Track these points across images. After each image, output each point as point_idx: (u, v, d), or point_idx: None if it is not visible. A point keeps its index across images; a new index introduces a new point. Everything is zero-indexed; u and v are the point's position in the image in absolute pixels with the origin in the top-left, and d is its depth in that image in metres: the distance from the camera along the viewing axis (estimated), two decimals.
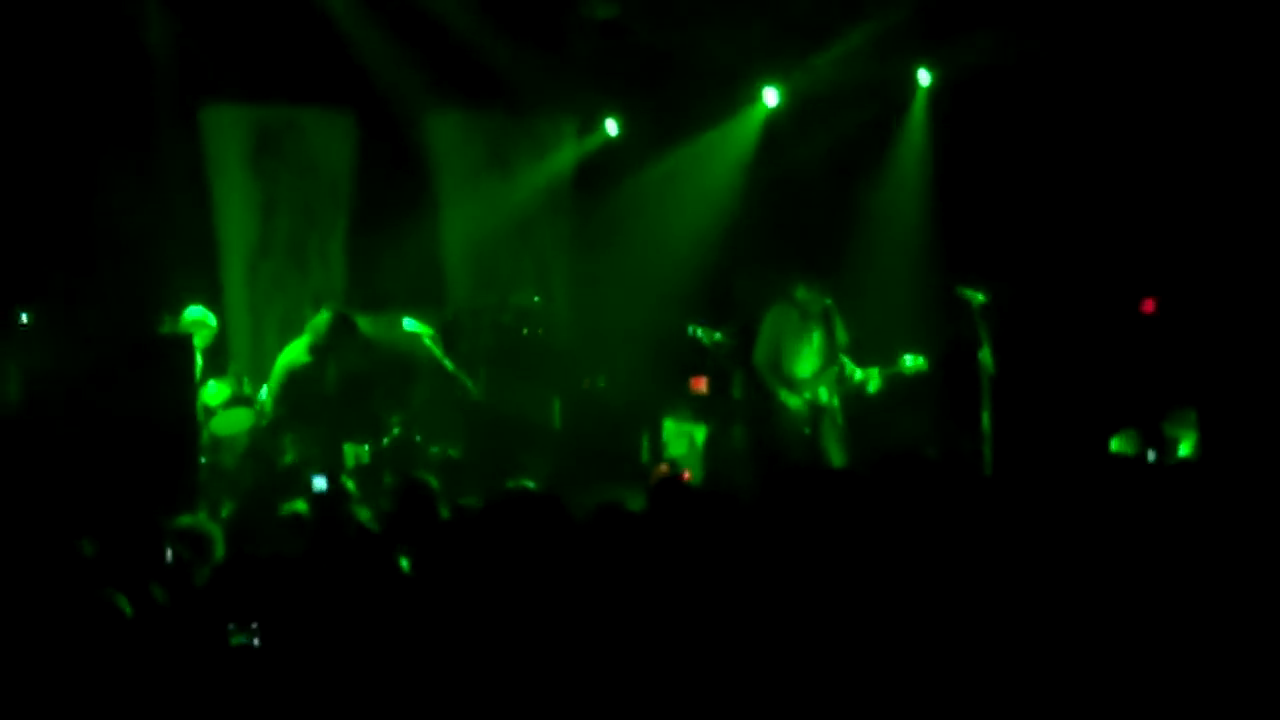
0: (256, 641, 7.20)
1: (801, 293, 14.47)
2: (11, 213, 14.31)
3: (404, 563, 8.38)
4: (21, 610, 7.44)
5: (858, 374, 14.51)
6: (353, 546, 8.14)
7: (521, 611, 7.25)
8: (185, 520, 9.09)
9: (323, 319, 14.05)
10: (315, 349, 13.95)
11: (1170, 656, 6.89)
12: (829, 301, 14.52)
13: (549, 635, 7.09)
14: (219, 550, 8.98)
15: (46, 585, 7.82)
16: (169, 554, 8.63)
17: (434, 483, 9.75)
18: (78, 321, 13.61)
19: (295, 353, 14.04)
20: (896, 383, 14.63)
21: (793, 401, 14.39)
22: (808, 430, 14.35)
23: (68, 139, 14.57)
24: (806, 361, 14.48)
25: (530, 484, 9.85)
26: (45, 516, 10.60)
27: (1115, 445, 12.79)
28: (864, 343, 14.76)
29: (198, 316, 14.00)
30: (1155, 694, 6.74)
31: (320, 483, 11.20)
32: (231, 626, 7.22)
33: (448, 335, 15.52)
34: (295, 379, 13.90)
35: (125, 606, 7.23)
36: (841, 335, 14.58)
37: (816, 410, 14.40)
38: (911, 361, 14.46)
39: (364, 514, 9.08)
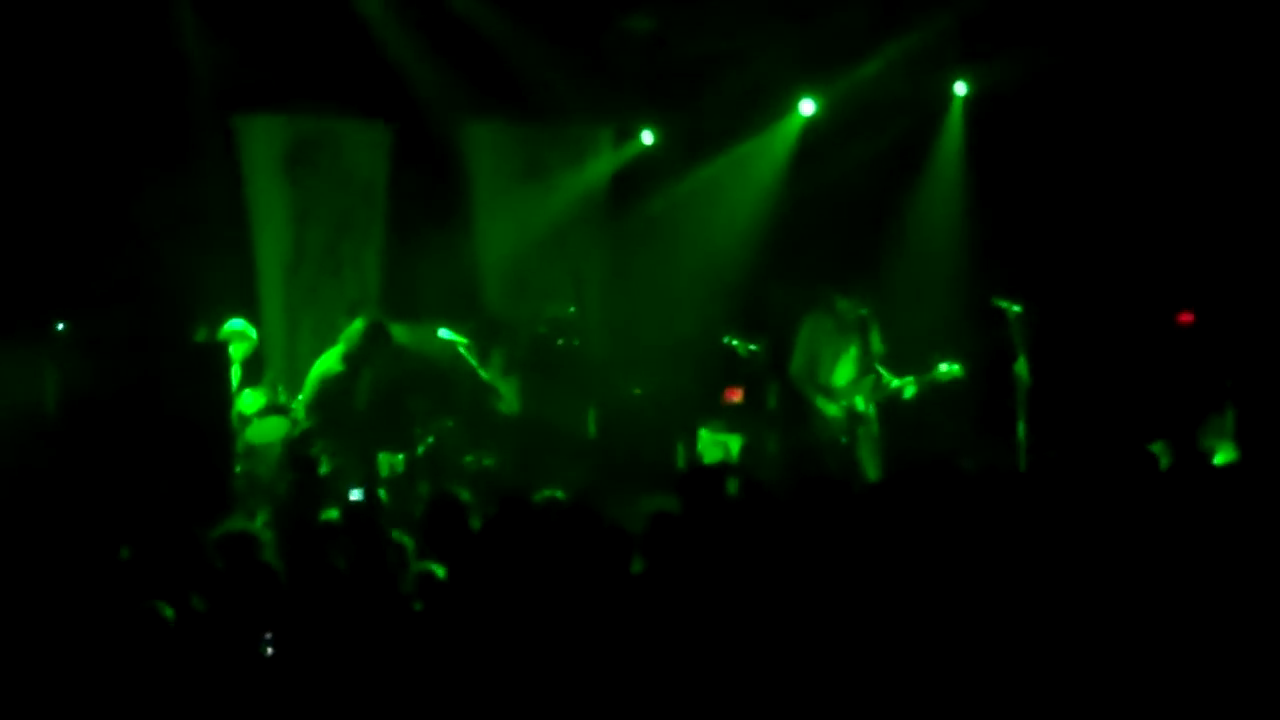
0: (270, 651, 7.22)
1: (839, 302, 14.47)
2: (48, 222, 14.35)
3: (439, 570, 8.38)
4: (57, 614, 7.47)
5: (894, 382, 14.49)
6: (382, 558, 8.15)
7: (549, 618, 7.25)
8: (236, 524, 9.13)
9: (357, 327, 14.05)
10: (349, 358, 13.95)
11: (1205, 662, 6.87)
12: (865, 311, 14.52)
13: (573, 642, 7.09)
14: (267, 553, 9.01)
15: (86, 590, 7.85)
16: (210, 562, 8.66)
17: (465, 495, 9.75)
18: (113, 330, 13.61)
19: (329, 362, 14.05)
20: (932, 390, 14.58)
21: (830, 409, 14.39)
22: (845, 439, 14.34)
23: (104, 148, 14.59)
24: (843, 370, 14.48)
25: (560, 494, 9.83)
26: (81, 523, 10.63)
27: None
28: (900, 352, 14.73)
29: (238, 328, 13.99)
30: (1188, 699, 6.72)
31: (356, 494, 11.22)
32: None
33: (483, 344, 15.54)
34: (329, 388, 13.91)
35: (168, 612, 7.26)
36: (878, 345, 14.58)
37: (854, 418, 14.39)
38: (946, 369, 14.40)
39: (395, 532, 9.07)
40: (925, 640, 7.03)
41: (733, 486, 9.99)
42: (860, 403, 14.45)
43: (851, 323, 14.53)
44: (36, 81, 14.22)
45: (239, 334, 13.95)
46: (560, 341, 16.43)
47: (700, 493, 9.40)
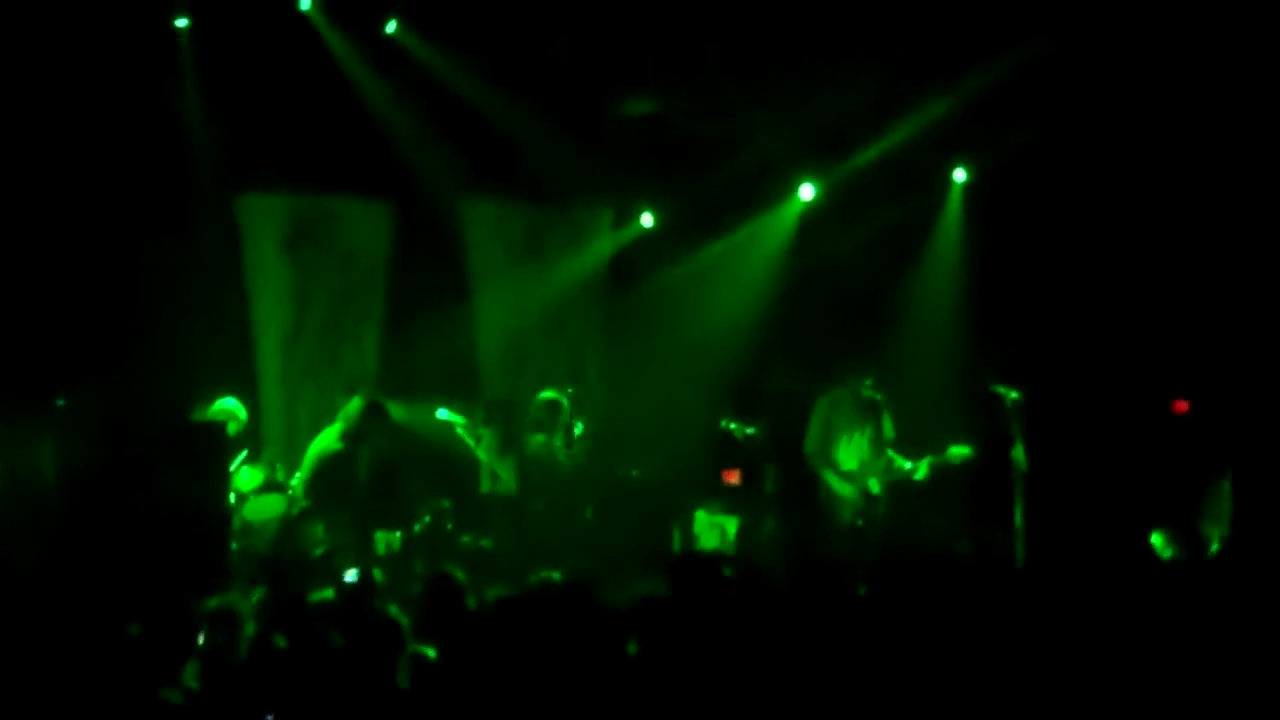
0: None
1: (857, 383, 14.51)
2: (49, 298, 14.38)
3: (430, 652, 8.38)
4: (56, 690, 7.48)
5: (906, 465, 14.50)
6: (376, 638, 8.14)
7: (542, 699, 7.25)
8: (214, 601, 9.13)
9: (354, 406, 14.09)
10: (347, 436, 13.98)
11: None
12: (880, 396, 14.58)
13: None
14: (249, 628, 9.01)
15: (85, 667, 7.85)
16: (202, 638, 8.67)
17: (461, 575, 9.75)
18: (113, 406, 13.63)
19: (327, 440, 14.07)
20: (943, 472, 14.59)
21: (845, 490, 14.38)
22: (860, 521, 14.33)
23: (107, 225, 14.65)
24: (856, 452, 14.50)
25: (555, 575, 9.83)
26: (79, 599, 10.62)
27: (1154, 543, 12.77)
28: (901, 437, 14.77)
29: (228, 408, 13.95)
30: None
31: (351, 575, 11.21)
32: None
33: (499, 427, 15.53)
34: (327, 466, 13.92)
35: (175, 697, 7.26)
36: (889, 430, 14.61)
37: (869, 501, 14.38)
38: (958, 450, 14.42)
39: (392, 609, 9.06)
40: None
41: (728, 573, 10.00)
42: (875, 485, 14.46)
43: (866, 405, 14.58)
44: (40, 158, 14.28)
45: (229, 413, 13.89)
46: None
47: (690, 580, 9.38)
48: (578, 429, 15.14)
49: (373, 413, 14.09)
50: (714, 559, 10.64)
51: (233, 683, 7.87)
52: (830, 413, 14.62)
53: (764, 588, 9.18)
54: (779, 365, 16.98)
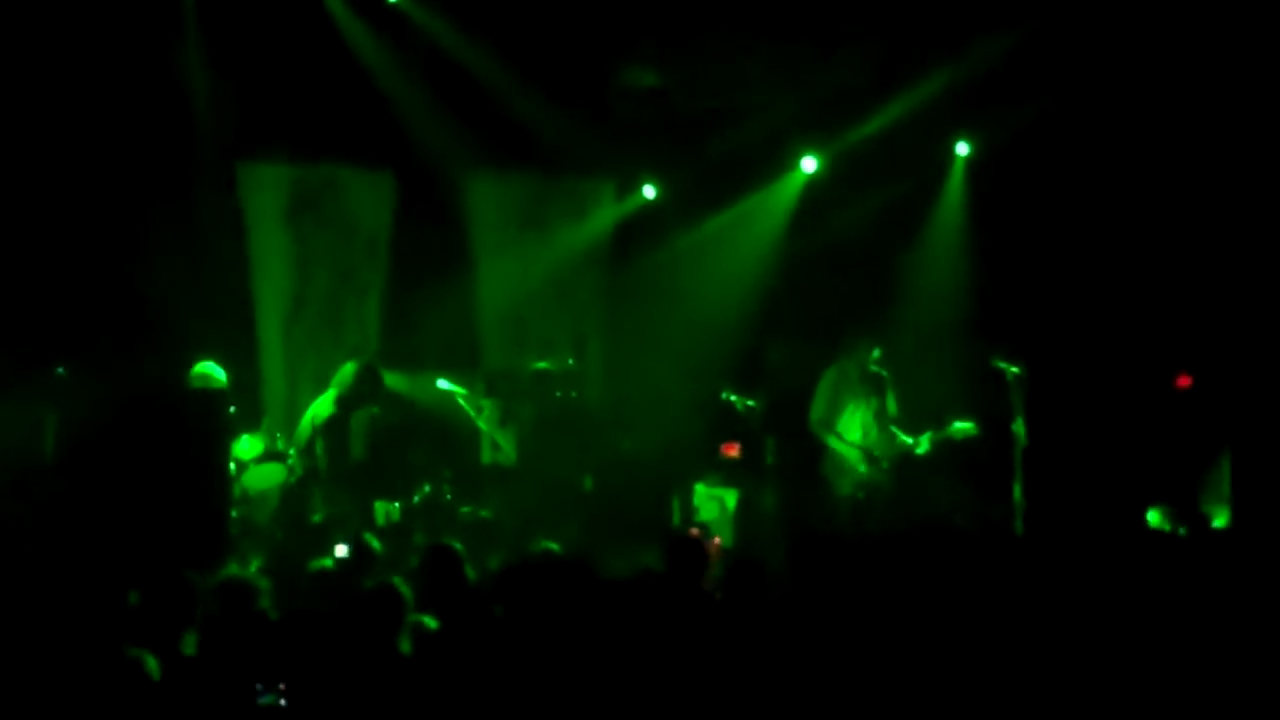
0: (283, 702, 7.20)
1: (864, 355, 14.51)
2: (50, 267, 14.36)
3: (430, 622, 8.38)
4: (51, 660, 7.46)
5: (908, 439, 14.50)
6: (372, 608, 8.13)
7: (543, 670, 7.25)
8: (231, 569, 9.11)
9: (348, 370, 14.06)
10: (341, 400, 13.95)
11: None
12: (885, 373, 14.58)
13: (567, 694, 7.09)
14: (264, 601, 8.99)
15: (77, 637, 7.83)
16: (200, 609, 8.65)
17: (459, 547, 9.74)
18: (113, 375, 13.60)
19: (322, 406, 14.03)
20: (946, 447, 14.59)
21: (851, 455, 14.39)
22: (861, 494, 14.34)
23: (108, 194, 14.62)
24: (859, 425, 14.50)
25: (555, 546, 9.84)
26: (77, 567, 10.61)
27: (1150, 520, 12.77)
28: (902, 413, 14.77)
29: (205, 370, 13.88)
30: None
31: (342, 550, 11.19)
32: (259, 686, 7.22)
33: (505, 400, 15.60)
34: (322, 432, 13.88)
35: (152, 668, 7.23)
36: (892, 407, 14.61)
37: (873, 466, 14.38)
38: (961, 426, 14.43)
39: (394, 579, 9.07)
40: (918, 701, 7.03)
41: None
42: (877, 451, 14.47)
43: (872, 379, 14.57)
44: (42, 125, 14.25)
45: (207, 376, 13.81)
46: (559, 393, 16.41)
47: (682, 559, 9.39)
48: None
49: (366, 375, 14.06)
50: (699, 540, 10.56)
51: (231, 652, 7.87)
52: (838, 385, 14.62)
53: (755, 567, 9.16)
54: (780, 338, 16.98)
